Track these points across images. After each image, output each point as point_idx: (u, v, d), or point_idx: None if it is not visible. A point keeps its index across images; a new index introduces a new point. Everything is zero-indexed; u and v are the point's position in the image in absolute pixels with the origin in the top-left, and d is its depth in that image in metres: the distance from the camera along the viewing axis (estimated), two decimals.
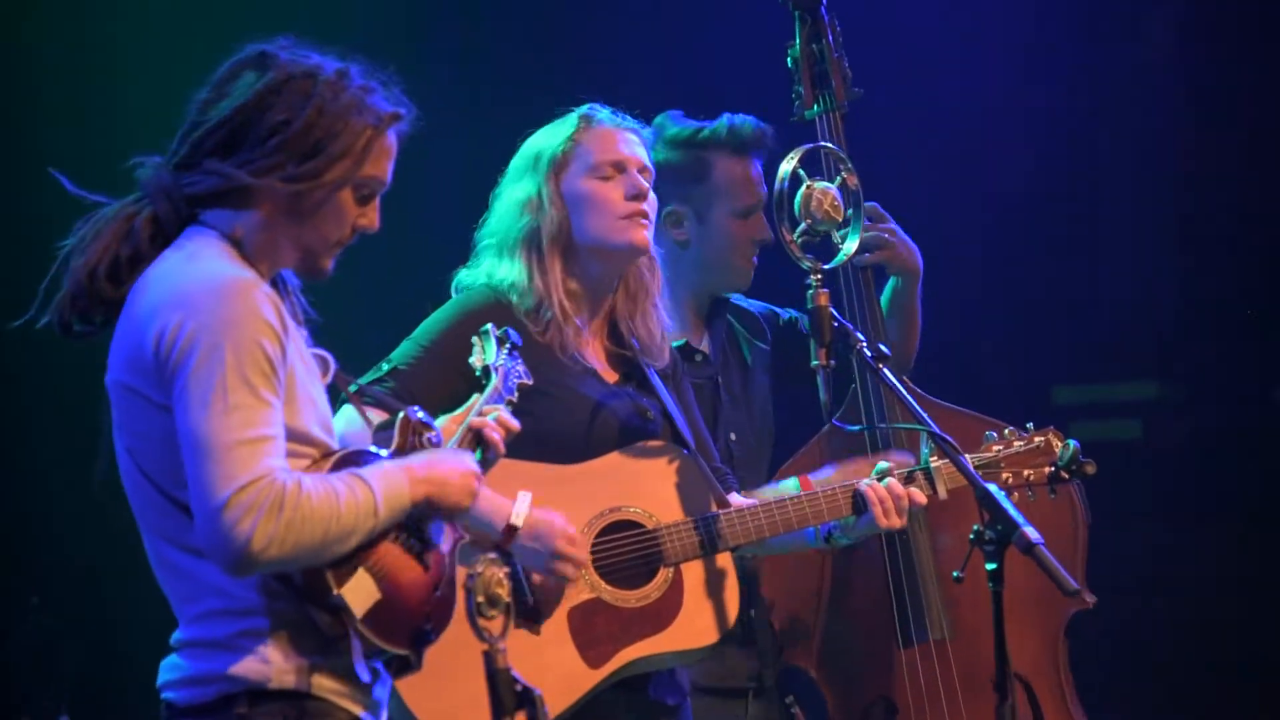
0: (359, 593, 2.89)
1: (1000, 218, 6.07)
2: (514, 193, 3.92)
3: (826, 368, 3.81)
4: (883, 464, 3.92)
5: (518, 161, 3.95)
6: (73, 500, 5.67)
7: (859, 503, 3.87)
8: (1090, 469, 3.96)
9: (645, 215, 3.88)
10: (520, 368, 3.51)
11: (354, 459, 2.96)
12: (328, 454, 2.96)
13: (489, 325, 3.55)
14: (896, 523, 3.85)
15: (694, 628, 3.79)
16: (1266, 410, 6.04)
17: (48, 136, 5.72)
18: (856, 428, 4.43)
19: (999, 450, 3.99)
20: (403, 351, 3.84)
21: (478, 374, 3.45)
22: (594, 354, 3.93)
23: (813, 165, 4.03)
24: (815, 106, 4.56)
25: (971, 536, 3.56)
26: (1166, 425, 6.16)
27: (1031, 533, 3.45)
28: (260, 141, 2.93)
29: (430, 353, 3.81)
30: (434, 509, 2.98)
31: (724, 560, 3.84)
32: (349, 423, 3.40)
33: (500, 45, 6.05)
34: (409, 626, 2.96)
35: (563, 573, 3.64)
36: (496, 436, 3.22)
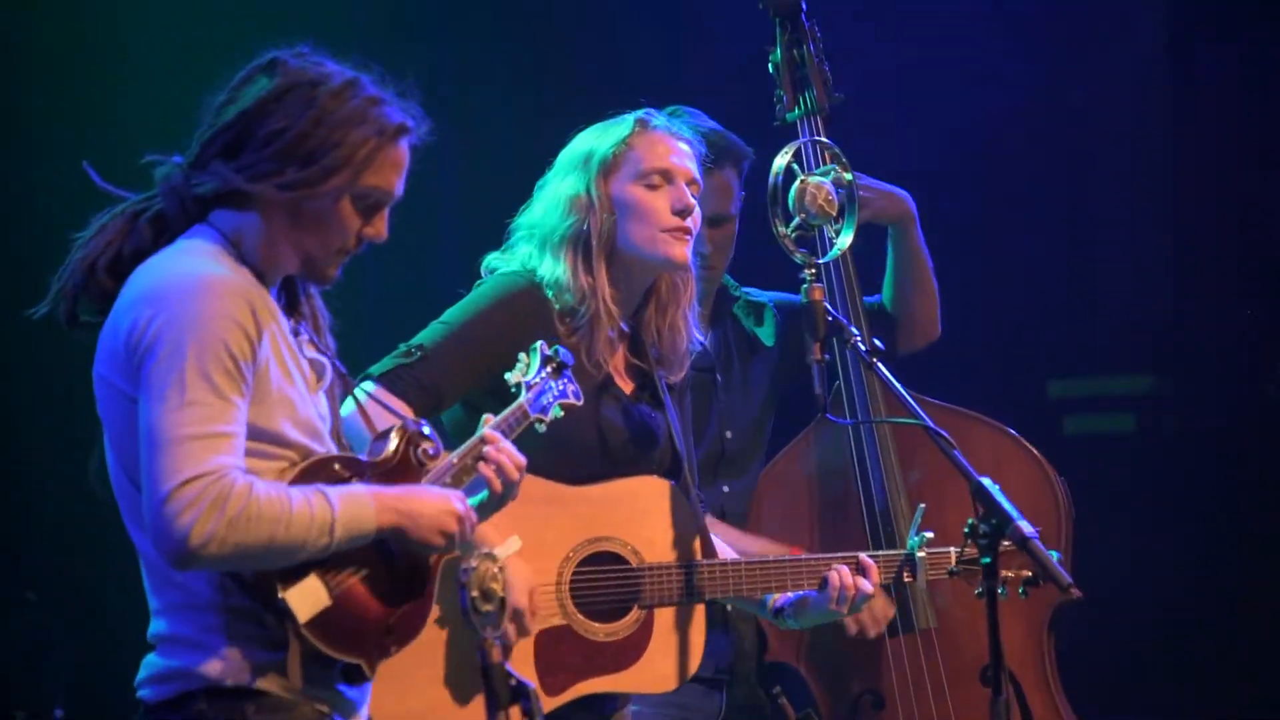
0: (305, 598, 2.88)
1: (995, 211, 6.07)
2: (562, 188, 3.86)
3: (821, 362, 3.81)
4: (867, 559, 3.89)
5: (568, 156, 3.90)
6: (67, 495, 5.67)
7: (823, 581, 3.85)
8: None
9: (688, 231, 3.84)
10: (570, 388, 3.46)
11: (328, 465, 2.96)
12: (306, 457, 2.97)
13: (540, 343, 3.48)
14: (843, 610, 3.84)
15: (653, 673, 3.77)
16: (1260, 404, 6.04)
17: (53, 131, 5.72)
18: (849, 421, 4.44)
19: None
20: (432, 334, 3.77)
21: (512, 390, 3.40)
22: (616, 361, 3.89)
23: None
24: (796, 110, 4.57)
25: (966, 530, 3.56)
26: (1160, 419, 6.16)
27: (1026, 526, 3.45)
28: (259, 148, 2.95)
29: (460, 339, 3.75)
30: (402, 539, 2.97)
31: (697, 611, 3.82)
32: (350, 414, 3.35)
33: (497, 46, 6.06)
34: (362, 636, 2.95)
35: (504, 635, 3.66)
36: (489, 472, 3.20)
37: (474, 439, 3.24)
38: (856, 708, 4.44)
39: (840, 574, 3.83)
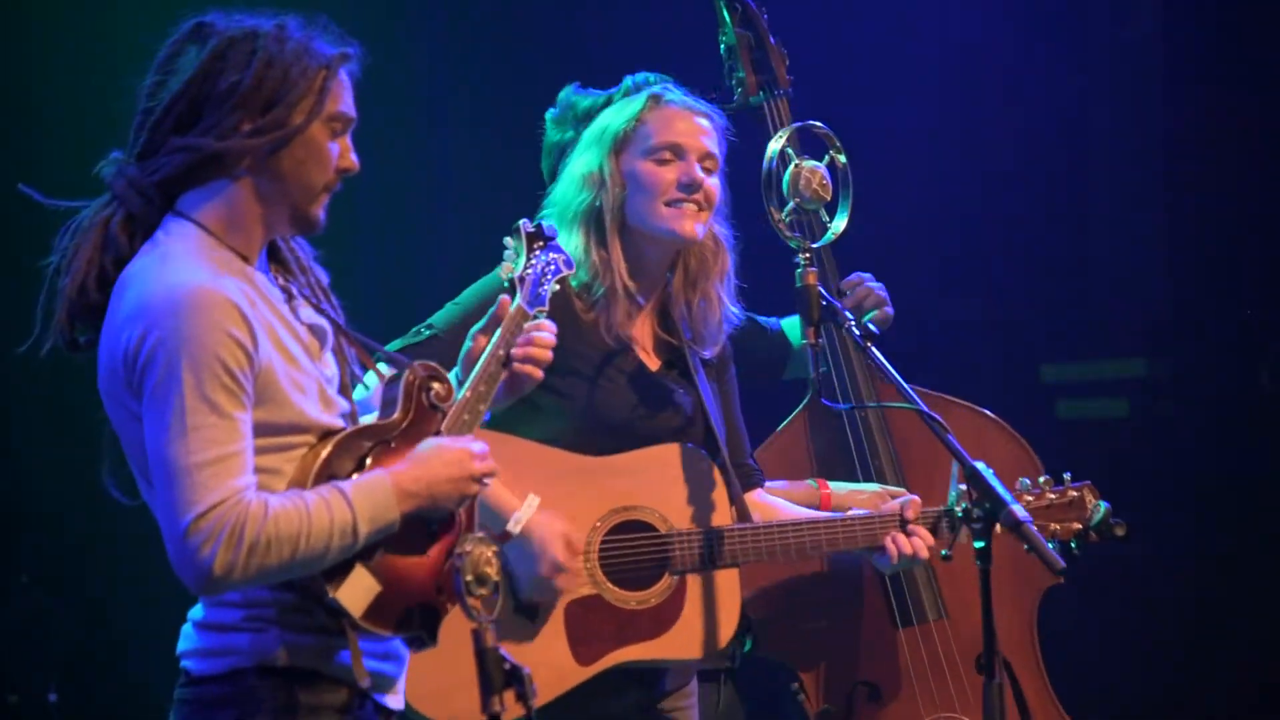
0: (356, 591, 2.87)
1: (988, 196, 6.07)
2: (578, 165, 3.87)
3: (815, 346, 3.80)
4: (904, 500, 3.90)
5: (587, 134, 3.91)
6: (62, 479, 5.68)
7: (877, 545, 3.85)
8: (1120, 531, 3.98)
9: (695, 204, 3.81)
10: (559, 258, 3.37)
11: (350, 444, 2.92)
12: (325, 435, 2.93)
13: (521, 221, 3.42)
14: (900, 566, 3.89)
15: (689, 639, 3.76)
16: (1254, 389, 6.05)
17: (36, 146, 5.72)
18: (845, 405, 4.42)
19: (1029, 500, 3.99)
20: (445, 315, 3.78)
21: (505, 286, 3.33)
22: (641, 337, 3.88)
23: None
24: (760, 94, 4.50)
25: (960, 514, 3.56)
26: (1154, 403, 6.17)
27: (1019, 510, 3.46)
28: (218, 107, 2.91)
29: (469, 316, 3.67)
30: (426, 511, 2.93)
31: (729, 575, 3.80)
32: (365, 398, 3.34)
33: (474, 34, 6.06)
34: (417, 606, 2.93)
35: (547, 589, 3.65)
36: (530, 369, 3.19)
37: (483, 361, 3.16)
38: (852, 701, 4.43)
39: (897, 542, 3.83)
